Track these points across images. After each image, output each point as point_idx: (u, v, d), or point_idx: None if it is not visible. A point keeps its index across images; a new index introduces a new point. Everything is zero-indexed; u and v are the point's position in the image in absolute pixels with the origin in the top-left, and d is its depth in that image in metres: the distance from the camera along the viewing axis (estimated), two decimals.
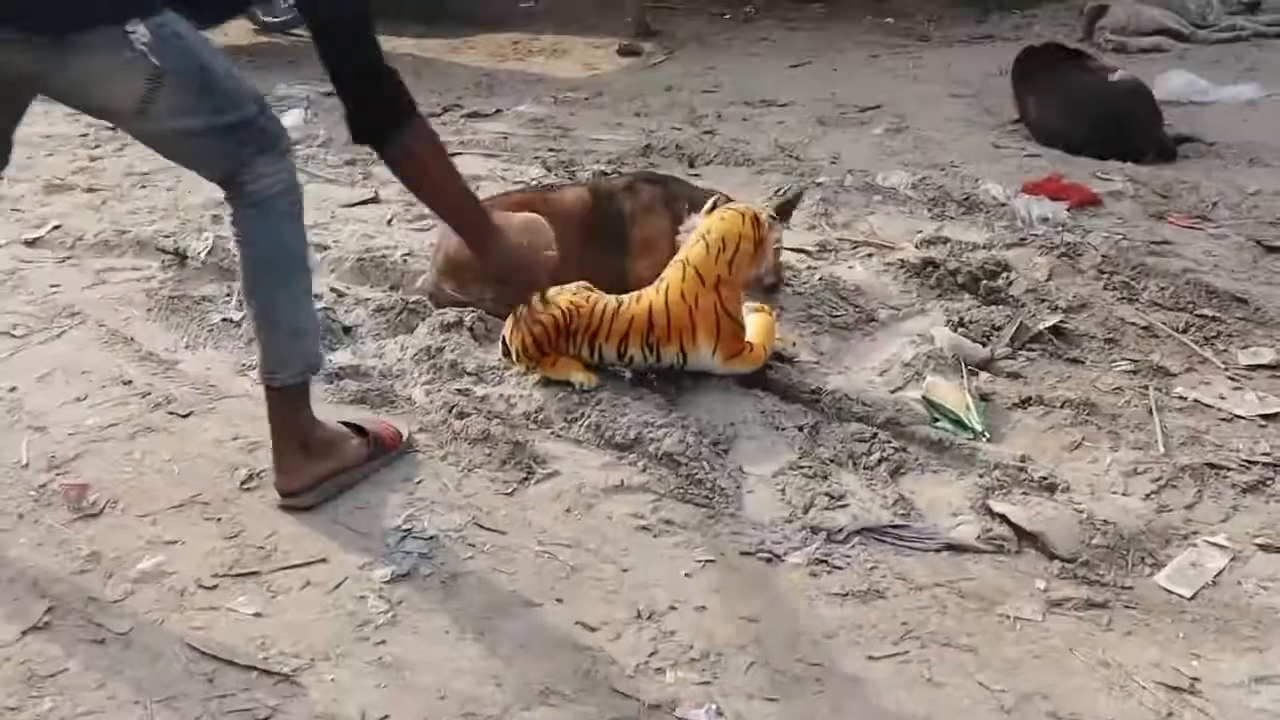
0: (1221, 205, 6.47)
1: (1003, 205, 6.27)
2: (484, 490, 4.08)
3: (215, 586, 3.60)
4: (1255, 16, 9.93)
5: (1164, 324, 5.19)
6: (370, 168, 7.31)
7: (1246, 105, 8.12)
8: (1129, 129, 7.19)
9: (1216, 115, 7.90)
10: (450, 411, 4.47)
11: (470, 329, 5.06)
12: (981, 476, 4.14)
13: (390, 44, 10.21)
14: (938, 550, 3.83)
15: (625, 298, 4.69)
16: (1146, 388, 4.74)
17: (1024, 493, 4.06)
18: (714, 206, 4.73)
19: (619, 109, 8.48)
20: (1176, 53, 9.40)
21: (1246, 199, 6.56)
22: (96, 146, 8.00)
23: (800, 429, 4.38)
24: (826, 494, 4.05)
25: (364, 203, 6.78)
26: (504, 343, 4.75)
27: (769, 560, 3.78)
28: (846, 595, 3.64)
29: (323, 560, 3.72)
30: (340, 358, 4.96)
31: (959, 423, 4.45)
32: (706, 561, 3.76)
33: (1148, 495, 4.10)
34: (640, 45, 10.24)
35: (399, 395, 4.66)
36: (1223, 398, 4.70)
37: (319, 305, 5.30)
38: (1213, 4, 9.91)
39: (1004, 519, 3.92)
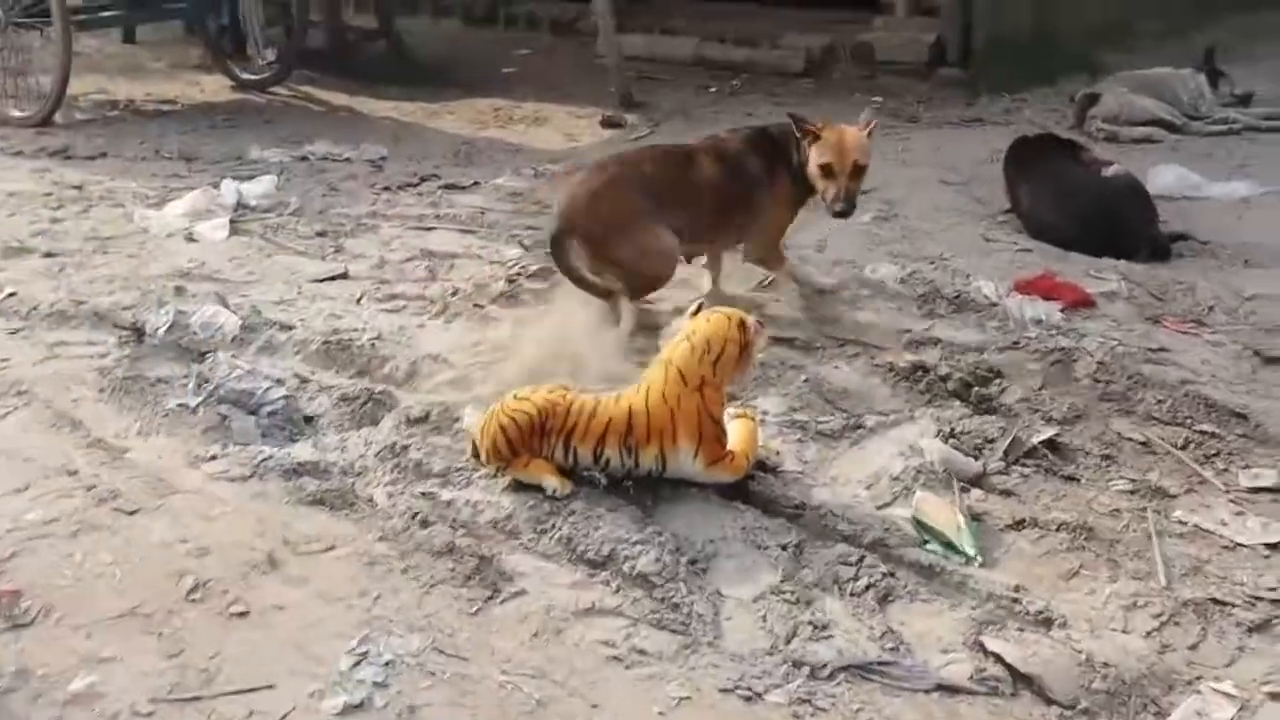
0: (1218, 309, 6.29)
1: (994, 305, 6.06)
2: (446, 609, 3.85)
3: (151, 714, 3.35)
4: (1248, 109, 9.80)
5: (1162, 440, 4.98)
6: (342, 240, 7.11)
7: (1240, 203, 7.94)
8: (1123, 226, 7.02)
9: (1210, 212, 7.73)
10: (414, 518, 4.25)
11: (438, 425, 4.84)
12: (974, 608, 3.92)
13: (368, 106, 10.23)
14: (928, 691, 3.61)
15: (604, 397, 4.49)
16: (1145, 510, 4.53)
17: (1019, 628, 3.84)
18: (699, 309, 4.54)
19: None
20: (1169, 144, 9.24)
21: (1243, 303, 6.38)
22: (59, 207, 7.78)
23: (783, 548, 4.16)
24: (810, 623, 3.83)
25: (333, 278, 6.56)
26: (473, 441, 4.53)
27: (748, 699, 3.55)
28: None
29: (269, 686, 3.48)
30: (300, 451, 4.75)
31: (950, 545, 4.23)
32: (682, 699, 3.54)
33: (1149, 633, 3.89)
34: (624, 117, 10.07)
35: (359, 496, 4.44)
36: (1224, 523, 4.49)
37: (281, 391, 5.10)
38: (1205, 95, 9.78)
39: (998, 658, 3.70)
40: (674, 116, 10.14)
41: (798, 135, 5.89)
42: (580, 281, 5.72)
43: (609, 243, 5.68)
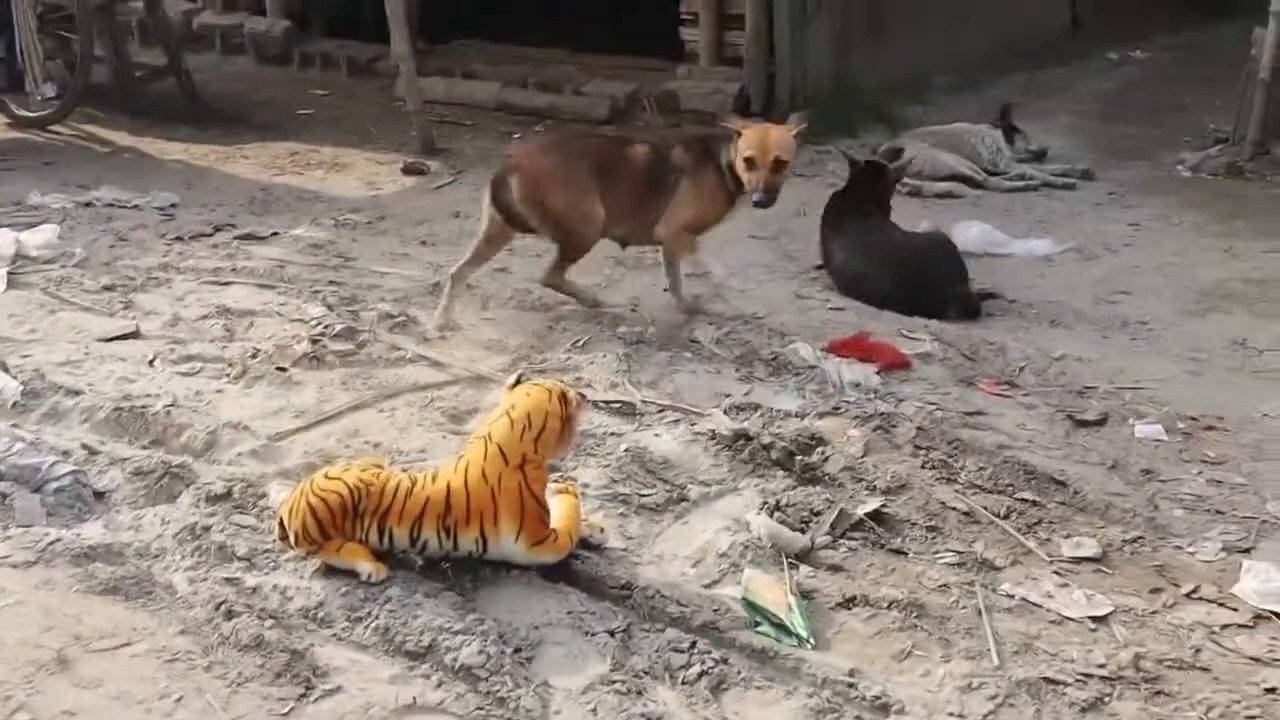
0: (1029, 371, 6.33)
1: (813, 367, 6.00)
2: (255, 710, 3.62)
3: None
4: (1043, 165, 10.01)
5: (985, 509, 4.95)
6: (132, 295, 6.76)
7: (1042, 260, 8.06)
8: (933, 285, 7.06)
9: (1014, 270, 7.82)
10: (217, 608, 3.99)
11: (241, 503, 4.58)
12: (810, 695, 3.81)
13: (157, 148, 9.82)
14: None
15: (420, 476, 4.30)
16: (973, 584, 4.48)
17: (857, 715, 3.74)
18: (518, 381, 4.38)
19: (404, 235, 8.06)
20: (970, 199, 9.34)
21: (1052, 364, 6.44)
22: None
23: (611, 634, 4.02)
24: (643, 715, 3.70)
25: (123, 337, 6.22)
26: (281, 522, 4.28)
27: None
28: None
29: None
30: (90, 532, 4.45)
31: (781, 626, 4.12)
32: None
33: (985, 716, 3.83)
34: (425, 164, 9.83)
35: (157, 583, 4.16)
36: (1050, 595, 4.47)
37: (68, 465, 4.78)
38: (1003, 151, 9.94)
39: None
40: (478, 164, 9.92)
41: (730, 135, 6.47)
42: (512, 219, 6.56)
43: (542, 188, 6.46)
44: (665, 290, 6.92)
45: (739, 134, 6.41)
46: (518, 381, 4.41)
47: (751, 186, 6.38)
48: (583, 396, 4.48)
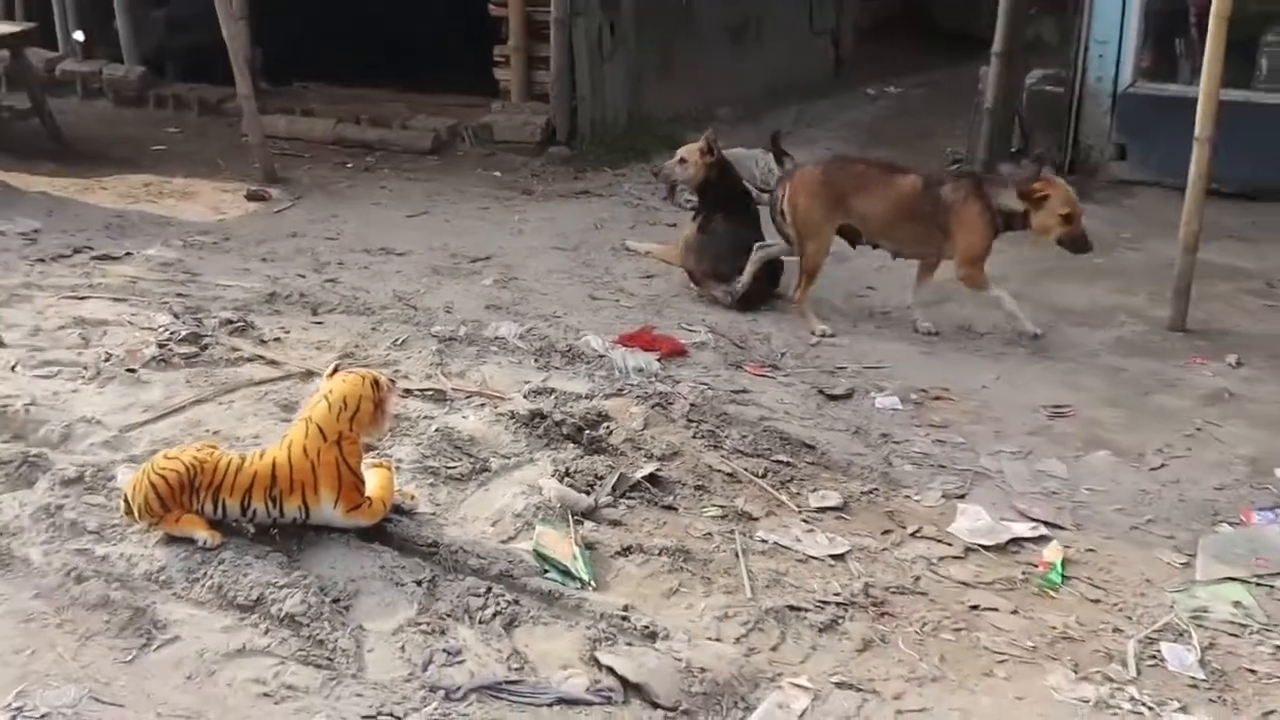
0: (789, 355, 6.57)
1: (602, 356, 6.16)
2: (102, 659, 3.65)
3: None
4: None
5: (746, 470, 5.15)
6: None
7: None
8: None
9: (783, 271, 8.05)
10: (69, 575, 4.00)
11: (92, 486, 4.58)
12: (589, 628, 3.96)
13: (22, 181, 9.61)
14: (550, 705, 3.63)
15: (249, 454, 4.35)
16: (733, 532, 4.68)
17: (628, 642, 3.90)
18: (335, 370, 4.46)
19: (246, 254, 8.03)
20: None
21: (809, 349, 6.69)
22: None
23: (418, 583, 4.11)
24: (445, 650, 3.81)
25: None
26: (126, 499, 4.30)
27: None
28: None
29: None
30: None
31: (567, 572, 4.27)
32: None
33: (738, 639, 4.02)
34: (267, 191, 9.77)
35: (15, 557, 4.14)
36: (798, 540, 4.69)
37: None
38: (774, 171, 10.15)
39: (611, 670, 3.75)
40: (314, 190, 9.93)
41: (1023, 190, 6.68)
42: (776, 223, 7.18)
43: (795, 198, 7.02)
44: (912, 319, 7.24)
45: (1044, 191, 6.65)
46: (335, 370, 4.48)
47: (1062, 234, 6.69)
48: (393, 382, 4.56)
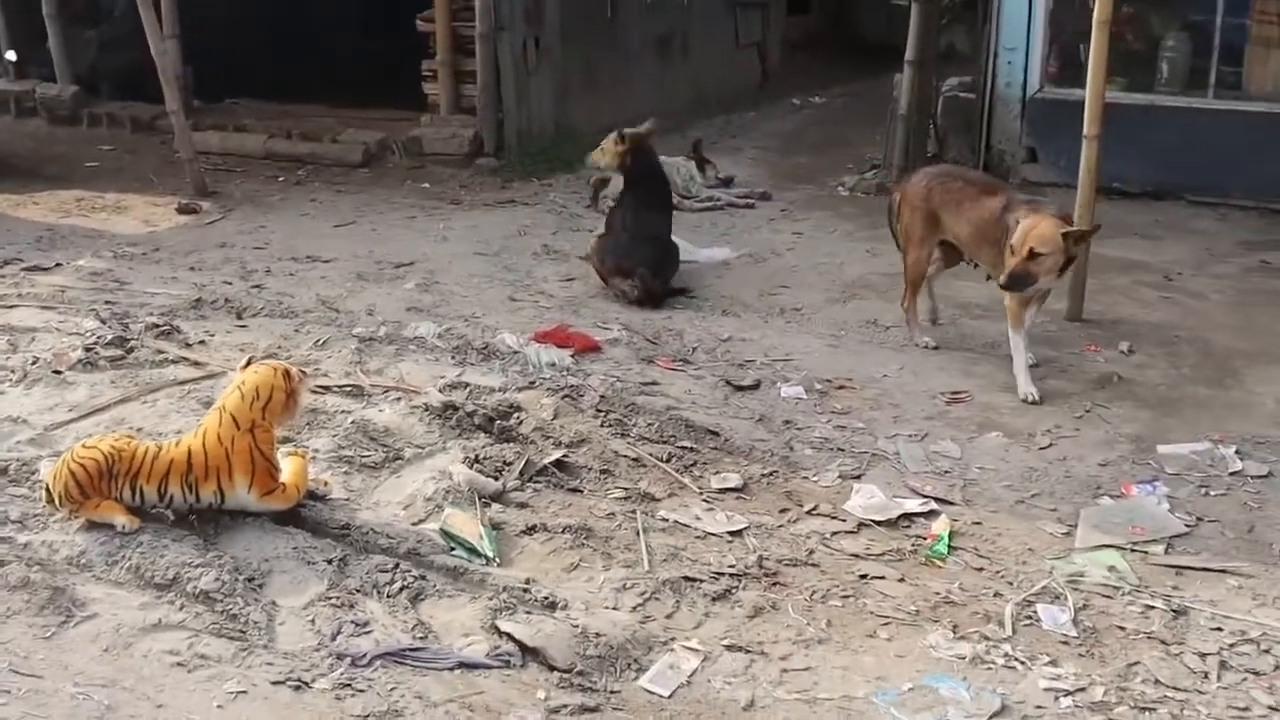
0: (700, 350, 6.77)
1: (516, 353, 6.35)
2: (21, 636, 3.82)
3: None
4: (729, 189, 10.58)
5: (651, 455, 5.36)
6: None
7: (721, 264, 8.55)
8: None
9: (698, 273, 8.28)
10: None
11: (16, 478, 4.73)
12: (491, 599, 4.15)
13: None
14: (452, 669, 3.81)
15: (166, 443, 4.52)
16: (635, 512, 4.88)
17: (528, 611, 4.10)
18: (249, 362, 4.62)
19: (175, 263, 8.17)
20: None
21: (720, 344, 6.89)
22: None
23: (329, 562, 4.29)
24: (353, 622, 3.99)
25: None
26: (47, 488, 4.45)
27: (298, 688, 3.67)
28: (368, 716, 3.59)
29: None
30: None
31: (473, 550, 4.46)
32: (239, 693, 3.63)
33: (634, 608, 4.22)
34: (198, 204, 9.91)
35: None
36: (698, 518, 4.89)
37: None
38: (695, 178, 10.47)
39: (510, 636, 3.94)
40: (245, 203, 10.09)
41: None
42: (891, 227, 7.29)
43: (902, 207, 7.05)
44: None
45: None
46: (249, 362, 4.65)
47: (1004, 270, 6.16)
48: (304, 373, 4.74)
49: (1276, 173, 9.93)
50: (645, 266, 7.55)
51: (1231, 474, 5.44)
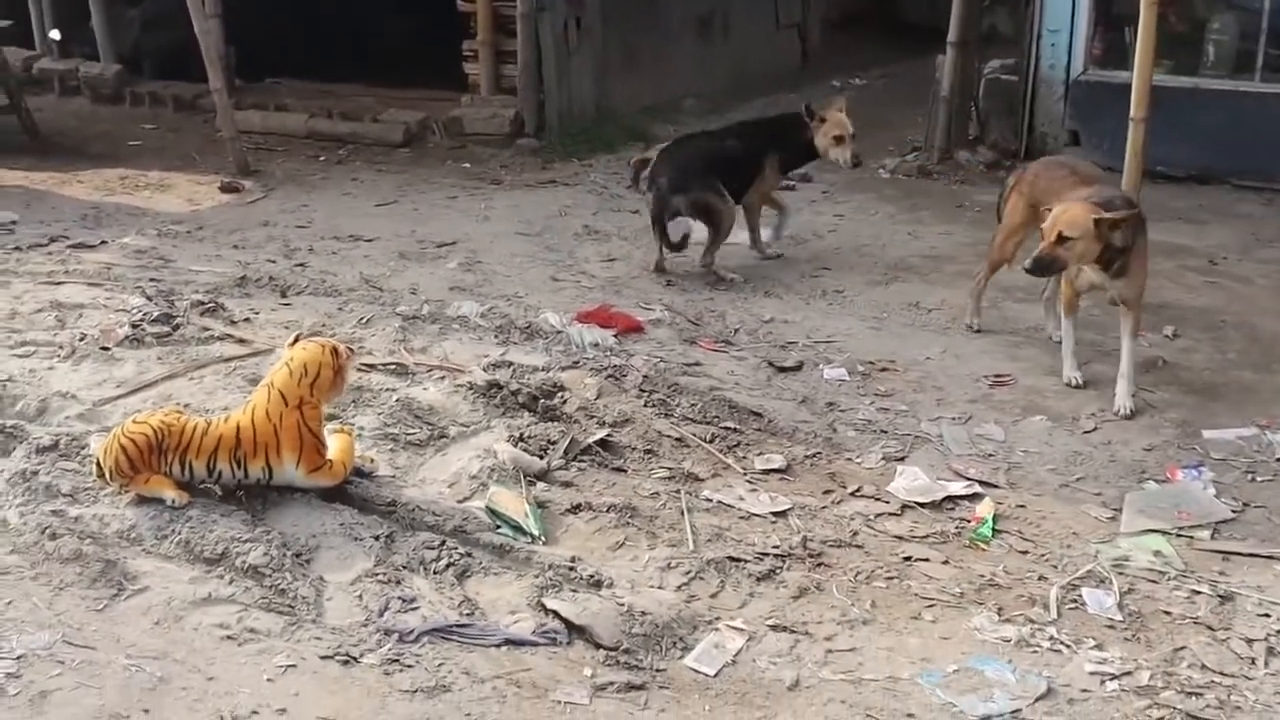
0: (742, 331, 6.78)
1: (559, 332, 6.36)
2: (75, 608, 3.86)
3: None
4: None
5: (694, 435, 5.36)
6: None
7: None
8: None
9: (741, 255, 8.24)
10: (44, 533, 4.19)
11: (66, 453, 4.77)
12: (537, 577, 4.17)
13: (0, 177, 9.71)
14: (498, 645, 3.84)
15: (215, 419, 4.55)
16: (679, 492, 4.89)
17: (574, 589, 4.12)
18: (296, 339, 4.65)
19: (219, 242, 8.22)
20: None
21: (762, 325, 6.89)
22: None
23: (377, 538, 4.31)
24: (400, 598, 4.02)
25: None
26: (97, 462, 4.50)
27: (346, 662, 3.70)
28: (416, 691, 3.62)
29: None
30: None
31: (518, 528, 4.48)
32: (288, 666, 3.66)
33: (679, 587, 4.23)
34: (241, 183, 9.96)
35: None
36: (742, 499, 4.90)
37: None
38: None
39: (556, 614, 3.96)
40: (286, 182, 10.14)
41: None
42: (999, 205, 7.01)
43: (1012, 193, 6.79)
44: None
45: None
46: (296, 339, 4.67)
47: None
48: (351, 350, 4.77)
49: None
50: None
51: (1278, 459, 5.41)
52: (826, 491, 5.04)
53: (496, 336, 6.31)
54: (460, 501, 4.66)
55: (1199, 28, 10.66)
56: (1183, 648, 4.06)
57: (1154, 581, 4.46)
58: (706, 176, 7.64)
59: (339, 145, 11.51)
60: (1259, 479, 5.23)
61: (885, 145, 11.57)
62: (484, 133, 11.38)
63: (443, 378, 5.69)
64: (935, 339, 6.80)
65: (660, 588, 4.22)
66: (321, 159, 11.10)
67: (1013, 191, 6.82)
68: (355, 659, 3.70)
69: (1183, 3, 10.83)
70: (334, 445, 4.64)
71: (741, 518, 4.76)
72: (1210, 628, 4.17)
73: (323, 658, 3.70)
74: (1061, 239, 5.77)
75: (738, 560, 4.41)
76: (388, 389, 5.53)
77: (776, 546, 4.54)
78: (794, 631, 4.05)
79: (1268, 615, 4.23)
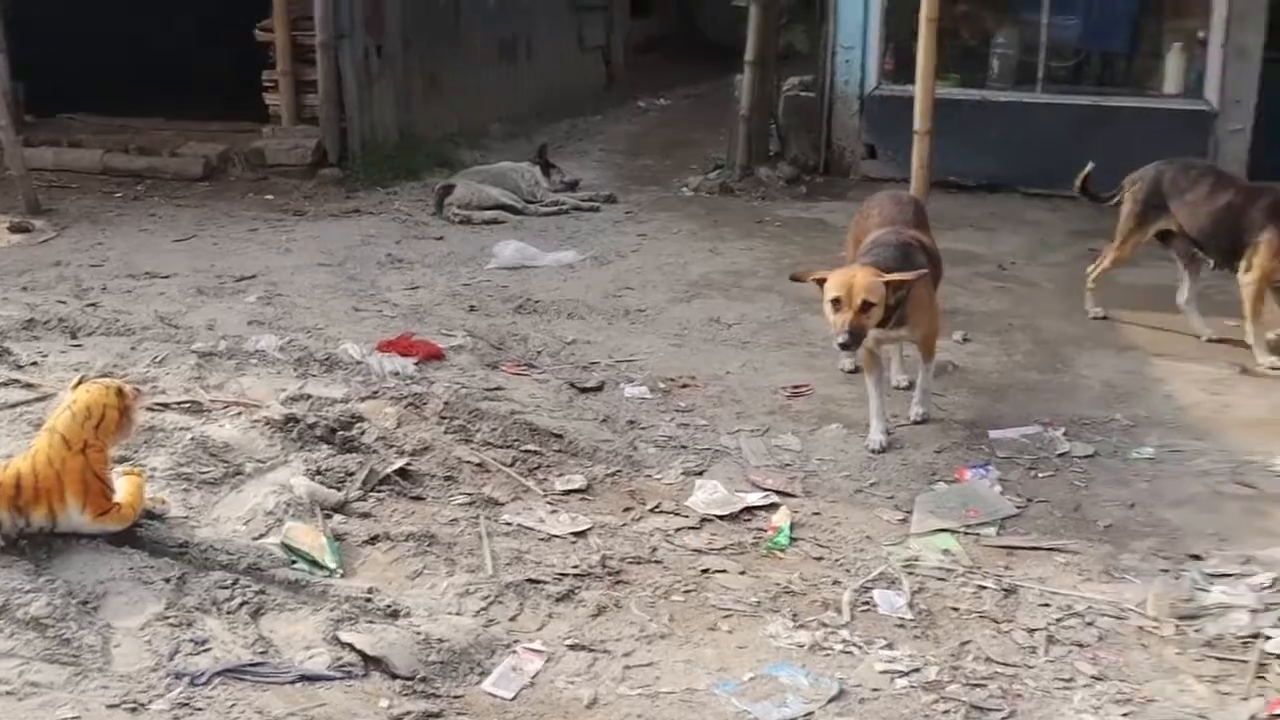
0: (545, 354, 6.82)
1: (359, 363, 6.31)
2: None
3: None
4: (574, 193, 10.62)
5: (495, 460, 5.38)
6: None
7: (567, 268, 8.60)
8: None
9: (543, 277, 8.33)
10: None
11: None
12: (333, 610, 4.14)
13: None
14: (293, 682, 3.79)
15: None
16: (479, 517, 4.89)
17: (370, 621, 4.10)
18: (80, 382, 4.54)
19: (5, 284, 7.94)
20: (512, 224, 9.79)
21: (565, 347, 6.95)
22: None
23: (168, 581, 4.22)
24: (191, 640, 3.95)
25: None
26: None
27: (134, 709, 3.62)
28: None
29: None
30: None
31: (315, 562, 4.44)
32: (73, 718, 3.55)
33: (477, 612, 4.25)
34: (31, 222, 9.65)
35: None
36: (542, 521, 4.93)
37: None
38: (540, 183, 10.51)
39: (351, 647, 3.93)
40: (81, 220, 9.87)
41: None
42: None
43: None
44: None
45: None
46: (80, 381, 4.57)
47: (836, 329, 5.47)
48: (139, 390, 4.68)
49: (1103, 163, 10.27)
50: None
51: (1059, 455, 5.65)
52: (626, 509, 5.10)
53: (295, 369, 6.23)
54: (256, 539, 4.58)
55: (986, 42, 11.09)
56: (968, 641, 4.22)
57: (943, 579, 4.62)
58: None
59: (136, 181, 11.24)
60: (1041, 475, 5.47)
61: (688, 164, 11.78)
62: (286, 163, 11.25)
63: (239, 414, 5.58)
64: (735, 353, 6.94)
65: (458, 614, 4.22)
66: (118, 195, 10.84)
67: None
68: (144, 705, 3.62)
69: (971, 19, 11.26)
70: (123, 487, 4.53)
71: (541, 540, 4.79)
72: (995, 620, 4.34)
73: (109, 706, 3.61)
74: (865, 306, 5.42)
75: (537, 582, 4.44)
76: (181, 428, 5.41)
77: (576, 566, 4.58)
78: (592, 650, 4.09)
79: (1048, 605, 4.43)
